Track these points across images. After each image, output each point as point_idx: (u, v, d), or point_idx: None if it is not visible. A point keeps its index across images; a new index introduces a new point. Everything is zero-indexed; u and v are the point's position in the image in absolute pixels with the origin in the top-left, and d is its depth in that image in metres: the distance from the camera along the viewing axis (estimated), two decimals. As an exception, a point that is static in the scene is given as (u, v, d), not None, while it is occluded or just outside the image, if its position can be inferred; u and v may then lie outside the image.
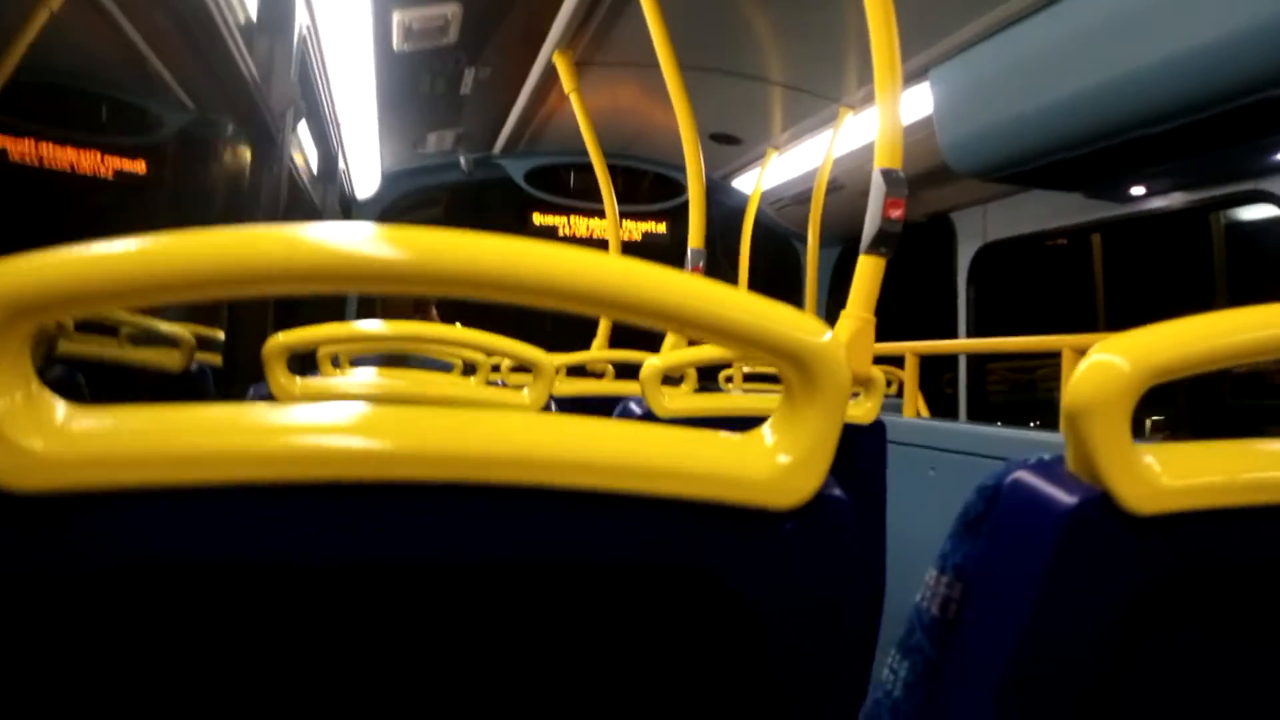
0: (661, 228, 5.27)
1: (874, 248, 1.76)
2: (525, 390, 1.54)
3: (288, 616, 0.44)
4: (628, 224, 5.10)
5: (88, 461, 0.38)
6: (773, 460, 0.46)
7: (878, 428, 1.56)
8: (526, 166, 4.89)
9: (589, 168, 3.67)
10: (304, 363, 1.65)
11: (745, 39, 3.20)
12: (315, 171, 3.69)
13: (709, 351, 1.56)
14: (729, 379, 4.35)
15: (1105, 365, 0.48)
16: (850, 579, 0.47)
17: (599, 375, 3.01)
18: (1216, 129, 2.14)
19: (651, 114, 4.05)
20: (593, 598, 0.49)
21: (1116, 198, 3.08)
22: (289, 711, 0.45)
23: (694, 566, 0.46)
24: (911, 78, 2.79)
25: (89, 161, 2.56)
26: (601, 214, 4.34)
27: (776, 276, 5.06)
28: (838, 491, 0.48)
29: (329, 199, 3.95)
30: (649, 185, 5.15)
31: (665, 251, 5.15)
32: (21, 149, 2.40)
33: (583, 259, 0.42)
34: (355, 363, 1.86)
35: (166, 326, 2.15)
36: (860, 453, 1.53)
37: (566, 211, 5.11)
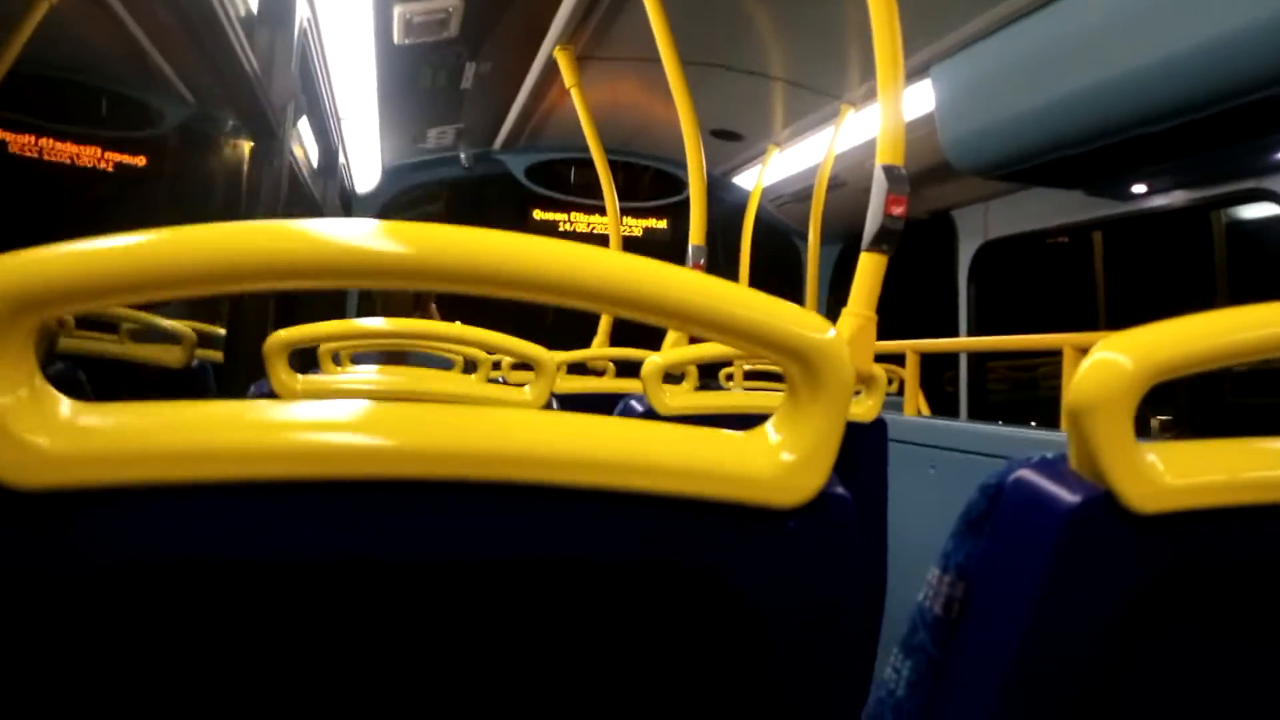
0: (662, 224, 5.26)
1: (875, 245, 1.75)
2: (527, 388, 1.54)
3: (290, 614, 0.44)
4: (628, 220, 5.09)
5: (92, 458, 0.38)
6: (776, 458, 0.46)
7: (879, 426, 1.56)
8: (527, 162, 4.89)
9: (590, 163, 3.67)
10: (305, 359, 1.65)
11: (747, 34, 3.20)
12: (316, 166, 3.68)
13: (710, 349, 1.56)
14: (730, 376, 4.35)
15: (1108, 364, 0.48)
16: (853, 577, 0.47)
17: (600, 373, 3.01)
18: (1217, 127, 2.14)
19: (652, 109, 4.04)
20: (594, 596, 0.49)
21: (1118, 196, 3.08)
22: (291, 710, 0.45)
23: (696, 565, 0.45)
24: (913, 74, 2.79)
25: (89, 155, 2.56)
26: (602, 210, 4.34)
27: (777, 274, 5.06)
28: (841, 489, 0.48)
29: (329, 194, 3.94)
30: (650, 181, 5.14)
31: (666, 248, 5.15)
32: (22, 142, 2.40)
33: (584, 254, 0.41)
34: (356, 360, 1.86)
35: (168, 323, 2.15)
36: (862, 451, 1.53)
37: (567, 207, 5.11)
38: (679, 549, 0.45)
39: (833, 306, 4.97)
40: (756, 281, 4.57)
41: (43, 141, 2.46)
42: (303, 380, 1.41)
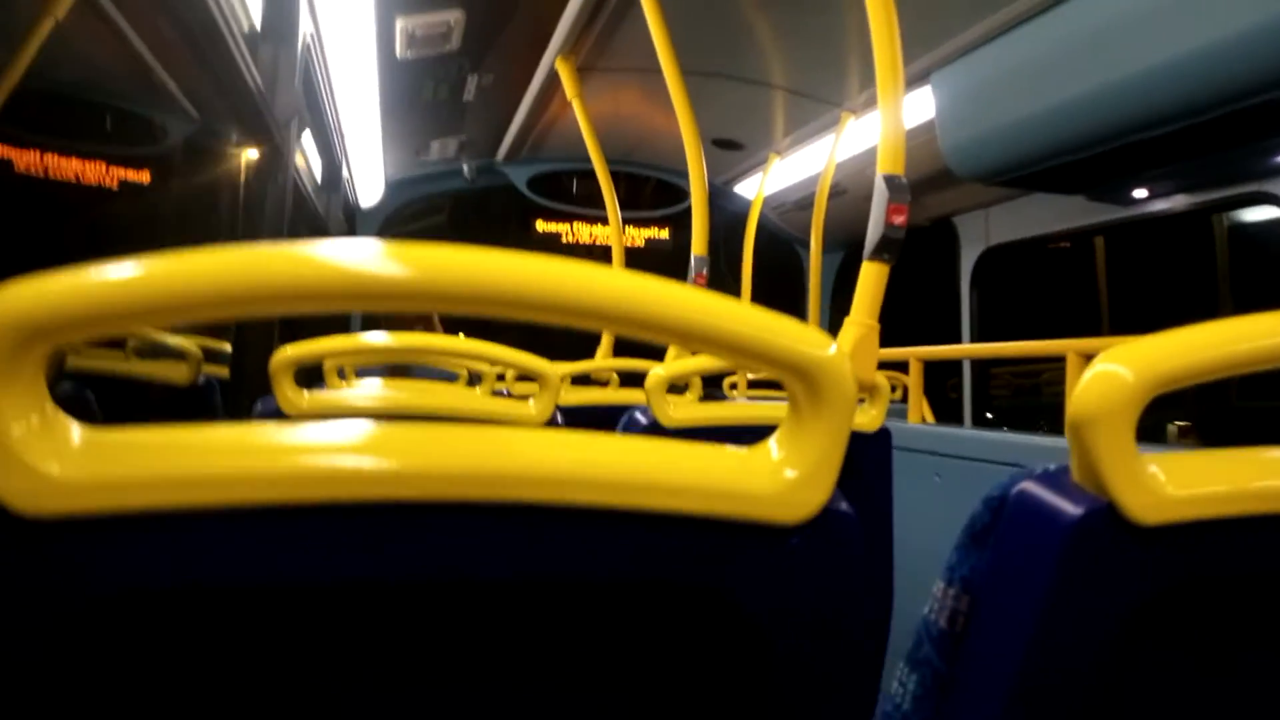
0: (664, 233, 5.27)
1: (877, 254, 1.76)
2: (531, 401, 1.54)
3: (295, 636, 0.45)
4: (630, 230, 5.10)
5: (103, 485, 0.38)
6: (779, 475, 0.46)
7: (883, 435, 1.56)
8: (529, 173, 4.90)
9: (592, 174, 3.68)
10: (309, 372, 1.65)
11: (747, 44, 3.21)
12: (319, 180, 3.69)
13: (713, 360, 1.56)
14: (733, 385, 4.35)
15: (1109, 376, 0.48)
16: (856, 593, 0.47)
17: (604, 383, 3.02)
18: (1218, 131, 2.14)
19: (653, 119, 4.05)
20: (598, 613, 0.49)
21: (1119, 201, 3.09)
22: None
23: (700, 582, 0.46)
24: (913, 82, 2.80)
25: (94, 171, 2.57)
26: (604, 220, 4.34)
27: (779, 282, 5.06)
28: (844, 505, 0.48)
29: (333, 208, 3.96)
30: (651, 191, 5.15)
31: (668, 257, 5.16)
32: (27, 160, 2.41)
33: (585, 274, 0.42)
34: (361, 373, 1.86)
35: (173, 340, 2.16)
36: (865, 460, 1.53)
37: (569, 218, 5.11)
38: (683, 566, 0.45)
39: (835, 314, 4.97)
40: (759, 290, 4.58)
41: (48, 159, 2.47)
42: (309, 397, 1.41)
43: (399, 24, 2.85)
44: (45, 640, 0.37)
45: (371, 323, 4.41)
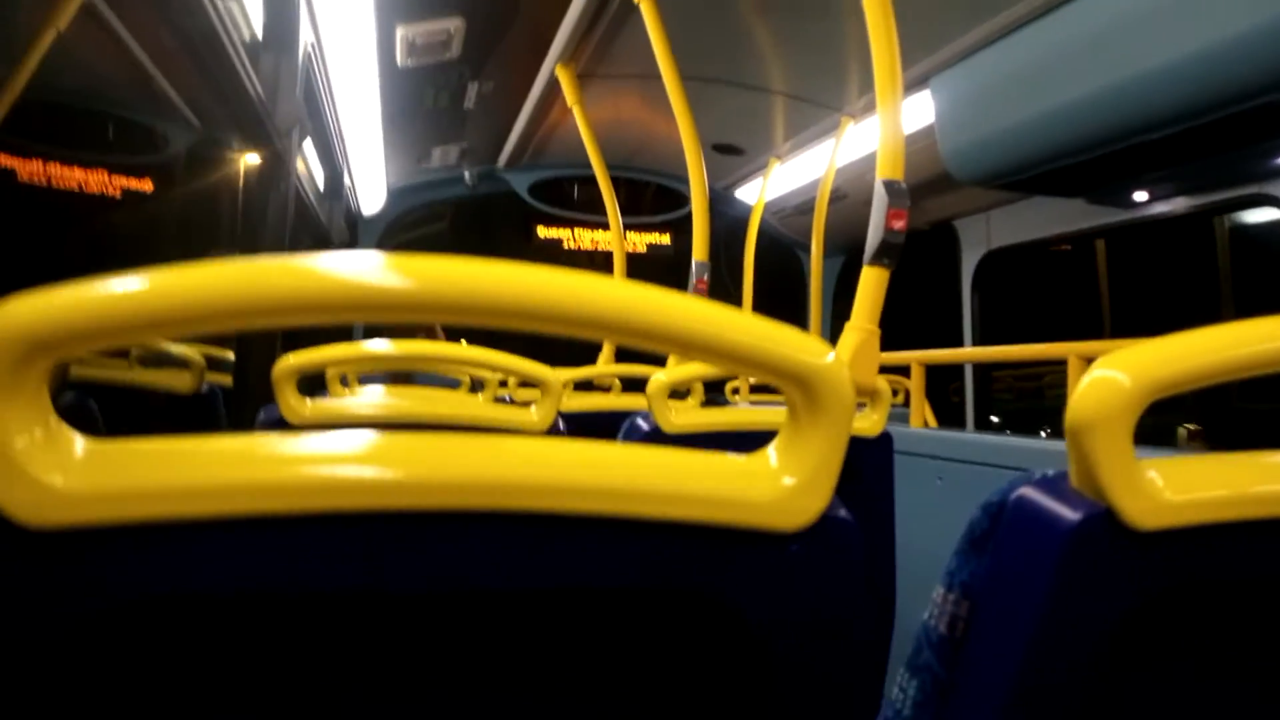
0: (665, 239, 5.28)
1: (877, 259, 1.76)
2: (533, 407, 1.55)
3: (298, 645, 0.45)
4: (631, 236, 5.11)
5: (106, 496, 0.38)
6: (778, 482, 0.47)
7: (884, 440, 1.56)
8: (530, 180, 4.91)
9: (592, 180, 3.68)
10: (312, 380, 1.65)
11: (746, 49, 3.21)
12: (321, 188, 3.70)
13: (714, 366, 1.56)
14: (735, 390, 4.36)
15: (1107, 381, 0.49)
16: (857, 599, 0.48)
17: (606, 389, 3.02)
18: (1218, 134, 2.14)
19: (654, 125, 4.06)
20: (599, 621, 0.49)
21: (1119, 203, 3.09)
22: None
23: (700, 589, 0.46)
24: (912, 86, 2.80)
25: (97, 180, 2.57)
26: (605, 226, 4.35)
27: (780, 287, 5.07)
28: (843, 512, 0.48)
29: (335, 216, 3.96)
30: (652, 196, 5.16)
31: (669, 262, 5.16)
32: (31, 169, 2.41)
33: (585, 285, 0.42)
34: (363, 381, 1.87)
35: (176, 348, 2.16)
36: (867, 466, 1.53)
37: (570, 224, 5.12)
38: (682, 574, 0.46)
39: (836, 319, 4.97)
40: (760, 295, 4.58)
41: (50, 168, 2.48)
42: (311, 405, 1.41)
43: (399, 32, 2.86)
44: (50, 651, 0.38)
45: (374, 331, 4.42)
